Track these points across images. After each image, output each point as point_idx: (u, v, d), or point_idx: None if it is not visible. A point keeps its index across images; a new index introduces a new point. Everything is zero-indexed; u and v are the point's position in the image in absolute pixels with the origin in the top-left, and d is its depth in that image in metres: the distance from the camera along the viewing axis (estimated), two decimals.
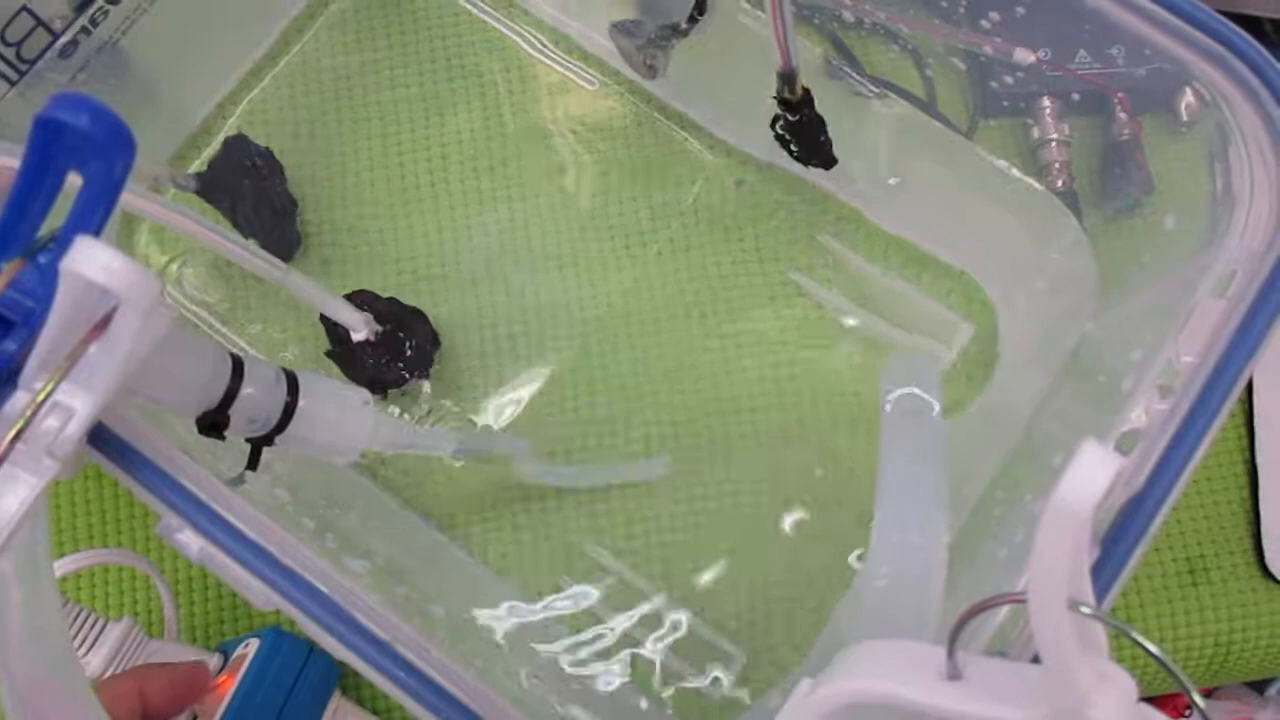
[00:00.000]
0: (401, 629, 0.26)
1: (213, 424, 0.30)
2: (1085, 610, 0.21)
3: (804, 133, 0.41)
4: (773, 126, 0.42)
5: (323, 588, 0.26)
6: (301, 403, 0.32)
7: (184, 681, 0.35)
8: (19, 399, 0.23)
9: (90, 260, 0.20)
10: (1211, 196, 0.34)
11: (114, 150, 0.21)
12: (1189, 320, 0.29)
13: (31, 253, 0.22)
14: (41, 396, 0.22)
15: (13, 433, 0.22)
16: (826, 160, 0.43)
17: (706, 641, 0.43)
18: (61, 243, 0.22)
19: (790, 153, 0.43)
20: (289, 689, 0.40)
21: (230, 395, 0.30)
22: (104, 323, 0.23)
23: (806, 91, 0.40)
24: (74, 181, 0.23)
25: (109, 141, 0.21)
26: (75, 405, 0.23)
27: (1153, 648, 0.21)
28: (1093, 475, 0.19)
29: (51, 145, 0.21)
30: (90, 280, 0.20)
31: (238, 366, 0.30)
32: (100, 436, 0.27)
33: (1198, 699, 0.22)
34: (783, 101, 0.40)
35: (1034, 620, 0.21)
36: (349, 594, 0.26)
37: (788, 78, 0.39)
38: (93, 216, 0.22)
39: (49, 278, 0.23)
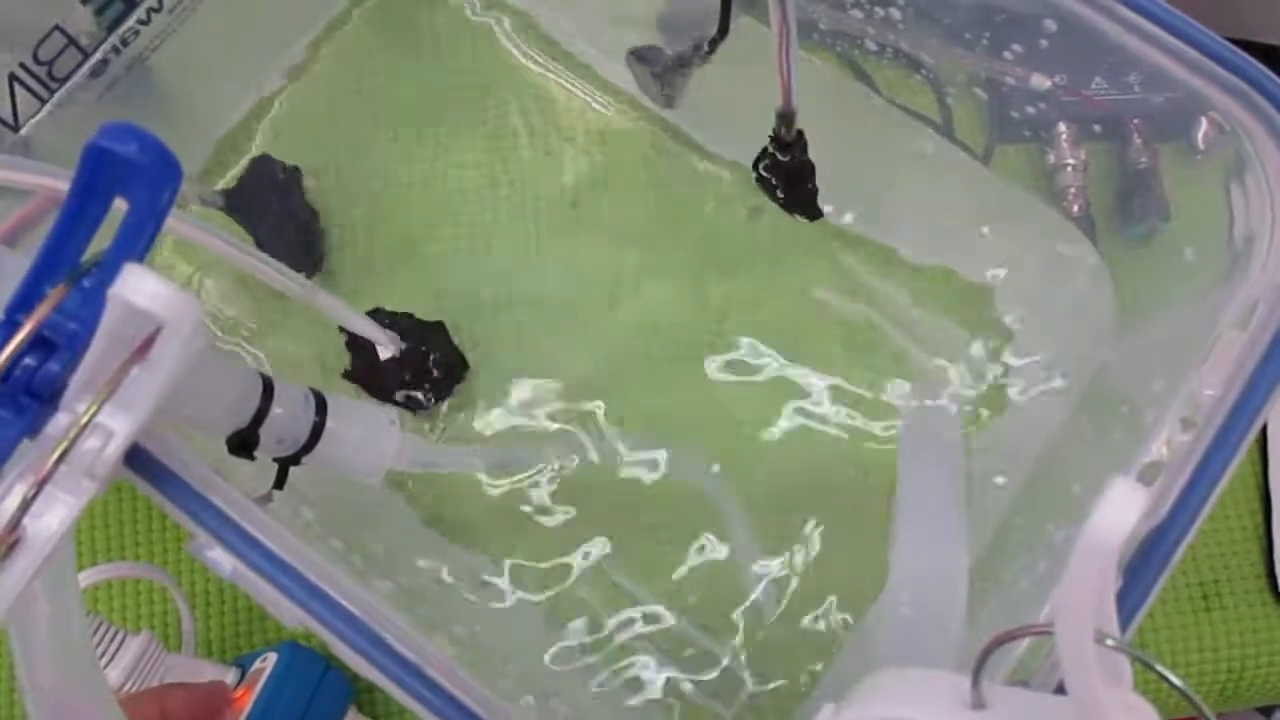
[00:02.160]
0: (429, 650, 0.26)
1: (243, 443, 0.30)
2: (1112, 643, 0.21)
3: (792, 176, 0.41)
4: (755, 168, 0.42)
5: (354, 609, 0.26)
6: (329, 423, 0.33)
7: (204, 700, 0.36)
8: (60, 420, 0.23)
9: (139, 287, 0.20)
10: (1230, 227, 0.34)
11: (160, 178, 0.22)
12: (1211, 353, 0.29)
13: (76, 277, 0.23)
14: (85, 419, 0.22)
15: (56, 454, 0.22)
16: (810, 210, 0.43)
17: (728, 669, 0.43)
18: (106, 267, 0.23)
19: (775, 199, 0.43)
20: (306, 704, 0.40)
21: (260, 415, 0.30)
22: (145, 346, 0.23)
23: (800, 134, 0.40)
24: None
25: (156, 169, 0.21)
26: (115, 427, 0.23)
27: (1177, 680, 0.22)
28: (1122, 511, 0.19)
29: (99, 173, 0.22)
30: (138, 307, 0.20)
31: (267, 387, 0.31)
32: (133, 455, 0.27)
33: None
34: (776, 140, 0.40)
35: (1061, 652, 0.21)
36: (379, 615, 0.26)
37: (786, 117, 0.39)
38: (138, 242, 0.22)
39: (92, 301, 0.23)
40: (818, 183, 0.42)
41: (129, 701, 0.35)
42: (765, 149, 0.41)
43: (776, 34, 0.33)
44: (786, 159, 0.40)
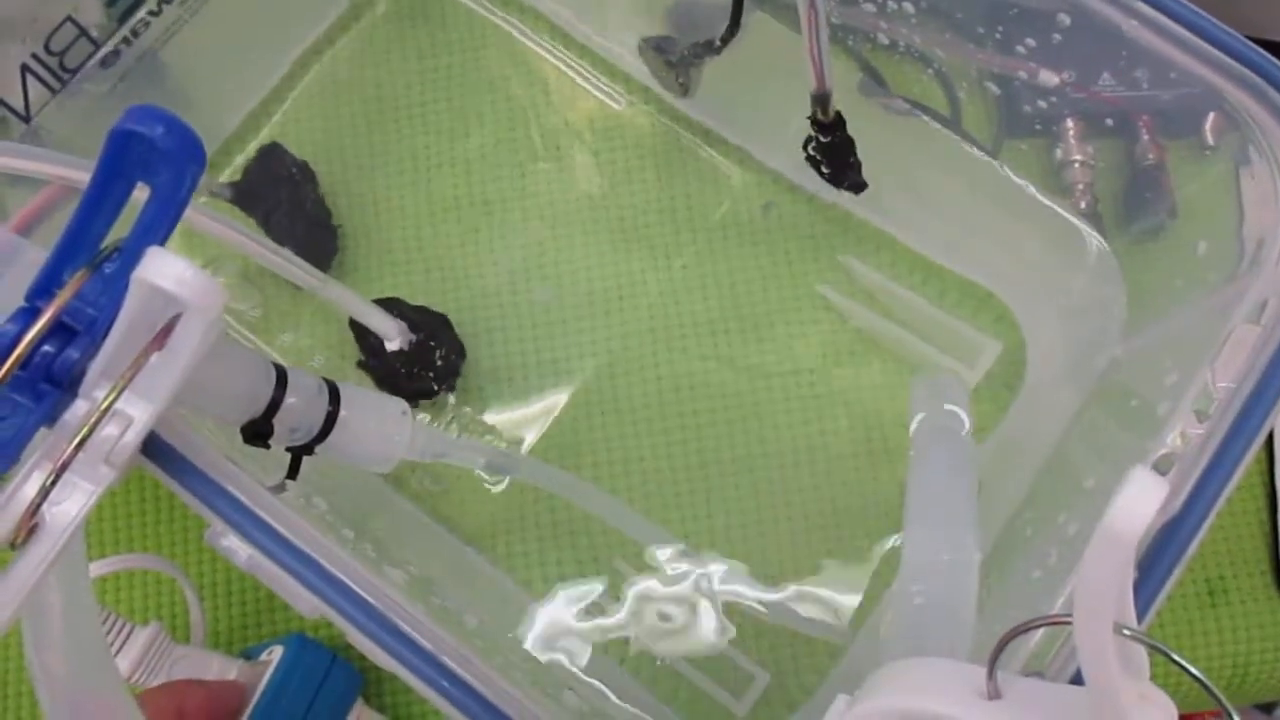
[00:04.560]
0: (445, 640, 0.27)
1: (257, 433, 0.30)
2: (1130, 633, 0.21)
3: (835, 155, 0.42)
4: (805, 148, 0.42)
5: (369, 598, 0.26)
6: (343, 413, 0.33)
7: (222, 700, 0.36)
8: (79, 407, 0.23)
9: (163, 270, 0.20)
10: (1239, 223, 0.34)
11: (185, 162, 0.21)
12: (1224, 346, 0.29)
13: (97, 263, 0.23)
14: (104, 405, 0.22)
15: (76, 441, 0.22)
16: (856, 184, 0.43)
17: (731, 661, 0.43)
18: (127, 253, 0.23)
19: (821, 174, 0.43)
20: (313, 695, 0.40)
21: (275, 405, 0.30)
22: (164, 333, 0.23)
23: (839, 114, 0.40)
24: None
25: (181, 152, 0.21)
26: (134, 414, 0.23)
27: (1194, 670, 0.22)
28: (1142, 501, 0.19)
29: (123, 156, 0.22)
30: (163, 290, 0.20)
31: (281, 376, 0.31)
32: (150, 444, 0.27)
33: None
34: (815, 123, 0.41)
35: (1079, 643, 0.21)
36: (393, 604, 0.26)
37: (821, 100, 0.39)
38: (160, 227, 0.22)
39: (113, 287, 0.23)
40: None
41: (147, 696, 0.35)
42: (809, 135, 0.41)
43: (805, 17, 0.33)
44: (828, 140, 0.40)
